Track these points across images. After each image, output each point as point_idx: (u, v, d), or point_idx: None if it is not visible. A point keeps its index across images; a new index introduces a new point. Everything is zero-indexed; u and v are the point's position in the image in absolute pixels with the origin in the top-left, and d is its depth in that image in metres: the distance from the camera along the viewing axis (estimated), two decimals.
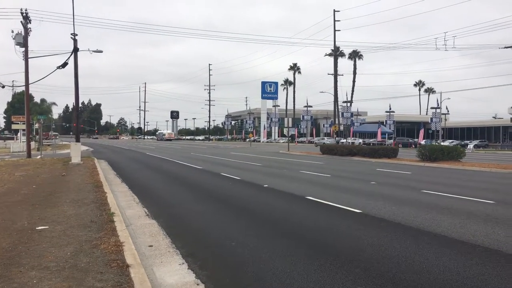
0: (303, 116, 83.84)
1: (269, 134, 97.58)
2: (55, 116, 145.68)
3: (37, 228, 7.33)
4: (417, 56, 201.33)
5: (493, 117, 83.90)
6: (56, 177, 16.17)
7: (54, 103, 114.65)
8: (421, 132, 61.12)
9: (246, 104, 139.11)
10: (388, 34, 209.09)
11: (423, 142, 54.08)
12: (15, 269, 5.13)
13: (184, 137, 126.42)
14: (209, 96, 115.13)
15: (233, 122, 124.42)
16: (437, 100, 59.78)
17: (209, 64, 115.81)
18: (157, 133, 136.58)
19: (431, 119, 57.84)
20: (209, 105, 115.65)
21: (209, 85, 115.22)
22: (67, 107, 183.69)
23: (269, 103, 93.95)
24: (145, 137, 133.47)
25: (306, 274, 5.33)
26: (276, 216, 9.26)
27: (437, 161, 25.40)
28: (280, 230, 7.95)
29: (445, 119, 66.92)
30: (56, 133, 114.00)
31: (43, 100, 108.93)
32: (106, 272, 5.06)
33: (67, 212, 8.75)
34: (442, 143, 44.41)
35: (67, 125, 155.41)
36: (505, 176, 18.80)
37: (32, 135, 40.70)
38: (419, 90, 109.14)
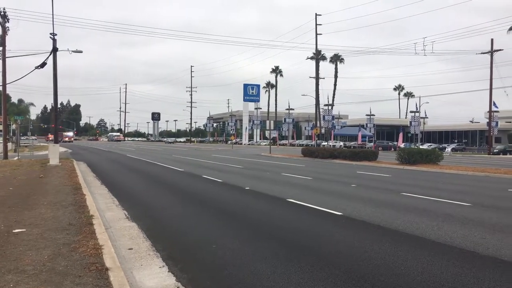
0: (285, 119, 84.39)
1: (251, 137, 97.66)
2: (33, 116, 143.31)
3: (13, 231, 7.18)
4: (397, 61, 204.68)
5: (470, 121, 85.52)
6: (34, 179, 15.87)
7: (32, 104, 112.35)
8: (401, 135, 62.13)
9: (228, 106, 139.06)
10: (369, 39, 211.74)
11: (402, 145, 54.97)
12: None
13: (165, 139, 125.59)
14: (191, 98, 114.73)
15: (215, 124, 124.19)
16: (416, 104, 60.95)
17: (191, 66, 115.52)
18: (108, 134, 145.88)
19: (410, 122, 58.84)
20: (191, 107, 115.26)
21: (191, 87, 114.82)
22: (45, 107, 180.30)
23: (251, 105, 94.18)
24: (126, 139, 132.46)
25: (287, 276, 5.35)
26: (257, 219, 9.28)
27: (416, 164, 25.81)
28: (261, 232, 7.96)
29: (424, 123, 68.11)
30: (70, 133, 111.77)
31: (20, 101, 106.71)
32: (85, 275, 4.99)
33: (44, 215, 8.59)
34: (420, 147, 45.16)
35: (46, 126, 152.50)
36: (481, 179, 19.21)
37: (9, 136, 39.84)
38: (399, 94, 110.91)
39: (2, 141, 33.07)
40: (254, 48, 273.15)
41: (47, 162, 23.66)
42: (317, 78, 61.70)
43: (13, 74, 61.49)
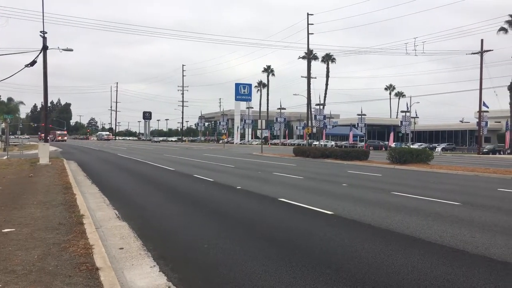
0: (276, 118, 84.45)
1: (242, 136, 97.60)
2: (23, 115, 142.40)
3: (2, 230, 7.11)
4: (388, 61, 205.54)
5: (460, 121, 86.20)
6: (23, 178, 15.73)
7: (22, 102, 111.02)
8: (391, 135, 62.52)
9: (220, 106, 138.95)
10: (360, 39, 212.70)
11: (393, 145, 55.30)
12: None
13: (156, 138, 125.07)
14: (183, 97, 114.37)
15: (206, 124, 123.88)
16: (407, 104, 61.21)
17: (183, 65, 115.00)
18: (98, 133, 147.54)
19: (401, 122, 59.12)
20: (183, 106, 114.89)
21: (183, 86, 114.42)
22: (35, 106, 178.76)
23: (243, 104, 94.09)
24: (116, 138, 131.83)
25: (278, 276, 5.36)
26: (249, 218, 9.28)
27: (407, 163, 25.97)
28: (252, 232, 7.97)
29: (414, 123, 68.48)
30: (64, 132, 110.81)
31: (10, 99, 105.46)
32: (75, 275, 4.96)
33: (34, 214, 8.52)
34: (411, 146, 45.46)
35: (35, 124, 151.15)
36: (471, 178, 19.38)
37: None
38: (390, 94, 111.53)
39: None
40: (246, 47, 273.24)
41: (37, 161, 23.46)
42: (308, 77, 61.81)
43: (3, 72, 60.98)
